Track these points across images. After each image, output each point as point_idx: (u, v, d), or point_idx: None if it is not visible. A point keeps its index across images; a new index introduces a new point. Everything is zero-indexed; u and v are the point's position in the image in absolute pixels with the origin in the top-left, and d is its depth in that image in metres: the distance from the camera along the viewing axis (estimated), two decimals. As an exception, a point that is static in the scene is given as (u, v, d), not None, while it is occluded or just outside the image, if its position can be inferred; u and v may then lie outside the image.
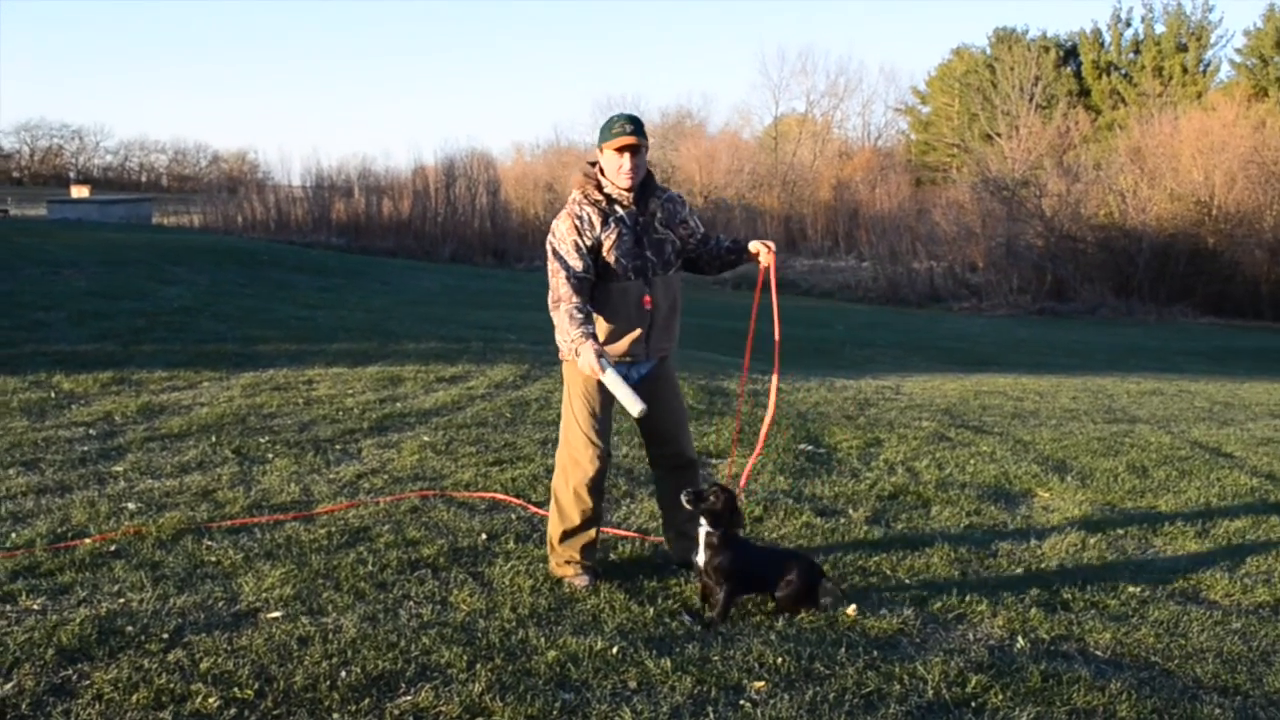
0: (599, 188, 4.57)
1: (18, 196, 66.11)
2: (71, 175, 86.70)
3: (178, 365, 9.71)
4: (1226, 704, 3.77)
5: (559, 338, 4.50)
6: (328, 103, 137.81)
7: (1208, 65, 52.23)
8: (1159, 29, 53.20)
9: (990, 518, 6.05)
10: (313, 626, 4.02)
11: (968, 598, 4.63)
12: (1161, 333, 28.09)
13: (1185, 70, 51.50)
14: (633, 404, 4.25)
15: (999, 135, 51.08)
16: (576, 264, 4.46)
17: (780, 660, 3.86)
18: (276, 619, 4.11)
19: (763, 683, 3.70)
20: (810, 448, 7.53)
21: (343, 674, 3.63)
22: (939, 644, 4.14)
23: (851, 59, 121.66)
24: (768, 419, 4.94)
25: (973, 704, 3.65)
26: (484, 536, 5.23)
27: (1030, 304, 35.66)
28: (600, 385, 4.51)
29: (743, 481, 5.91)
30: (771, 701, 3.56)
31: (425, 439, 7.24)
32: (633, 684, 3.66)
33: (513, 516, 5.61)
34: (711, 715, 3.46)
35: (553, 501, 4.74)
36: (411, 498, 5.85)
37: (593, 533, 4.71)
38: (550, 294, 4.51)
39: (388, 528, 5.29)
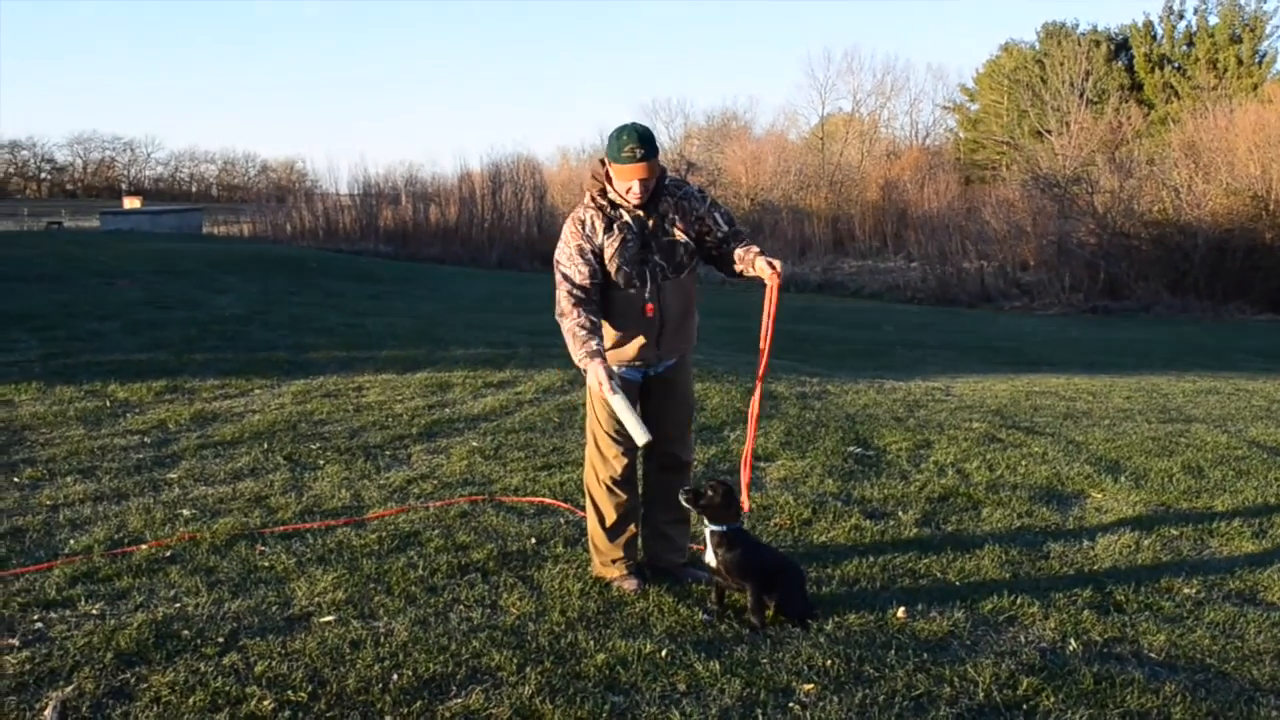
0: (603, 193, 4.47)
1: (71, 209, 67.48)
2: (123, 187, 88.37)
3: (229, 373, 9.85)
4: (1285, 706, 3.71)
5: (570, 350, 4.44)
6: (374, 111, 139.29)
7: (1263, 56, 51.28)
8: (1212, 20, 52.34)
9: (1042, 519, 5.98)
10: (364, 630, 4.06)
11: (1019, 599, 4.59)
12: (1218, 330, 27.60)
13: (1240, 62, 50.61)
14: (639, 433, 4.26)
15: (1049, 132, 50.52)
16: (578, 274, 4.40)
17: (829, 663, 3.85)
18: (329, 623, 4.16)
19: (812, 685, 3.69)
20: (859, 450, 7.49)
21: (394, 677, 3.67)
22: (990, 646, 4.11)
23: (898, 57, 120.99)
24: (749, 441, 4.86)
25: (1024, 706, 3.62)
26: (533, 540, 5.25)
27: (1083, 302, 35.15)
28: (632, 391, 4.53)
29: (745, 493, 5.75)
30: (821, 704, 3.55)
31: (474, 444, 7.29)
32: (682, 687, 3.67)
33: (561, 520, 5.63)
34: (760, 718, 3.46)
35: (587, 500, 4.75)
36: (461, 503, 5.89)
37: (633, 528, 4.71)
38: (556, 306, 4.46)
39: (438, 532, 5.33)
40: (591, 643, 3.98)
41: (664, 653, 3.90)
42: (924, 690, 3.69)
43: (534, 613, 4.31)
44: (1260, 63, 50.98)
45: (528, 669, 3.75)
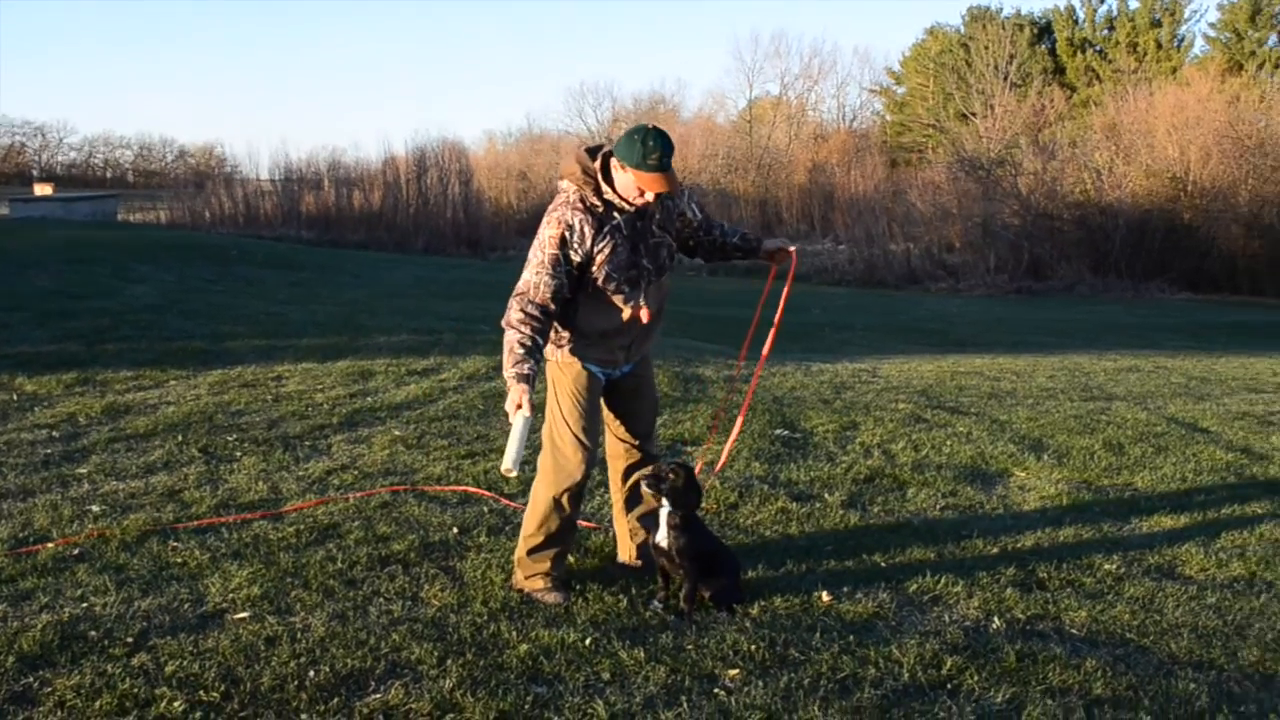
0: (597, 192, 4.12)
1: (-22, 196, 65.40)
2: (34, 173, 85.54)
3: (144, 364, 9.59)
4: (1201, 678, 3.76)
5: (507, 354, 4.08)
6: (295, 94, 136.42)
7: (1182, 40, 52.40)
8: (1133, 4, 53.34)
9: (966, 498, 6.02)
10: (280, 626, 3.95)
11: (943, 579, 4.61)
12: (1138, 309, 28.20)
13: (1159, 46, 51.65)
14: (513, 460, 3.95)
15: (974, 115, 51.20)
16: (544, 288, 4.08)
17: (754, 647, 3.83)
18: (243, 619, 4.04)
19: (737, 670, 3.66)
20: (786, 432, 7.49)
21: (311, 673, 3.57)
22: (914, 626, 4.11)
23: (825, 40, 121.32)
24: (744, 406, 4.89)
25: (948, 686, 3.63)
26: (455, 530, 5.16)
27: (1007, 283, 35.74)
28: (590, 383, 4.32)
29: (718, 467, 5.91)
30: (745, 689, 3.52)
31: (396, 433, 7.17)
32: (606, 675, 3.62)
33: (485, 509, 5.55)
34: (685, 705, 3.42)
35: (530, 509, 4.39)
36: (382, 493, 5.77)
37: (567, 545, 4.49)
38: (515, 296, 4.14)
39: (357, 524, 5.21)
40: (514, 633, 3.92)
41: (588, 641, 3.85)
42: (849, 672, 3.67)
43: (456, 604, 4.23)
44: (1179, 46, 52.09)
45: (449, 661, 3.67)
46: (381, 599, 4.28)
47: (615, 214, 4.15)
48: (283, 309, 14.72)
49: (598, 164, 4.14)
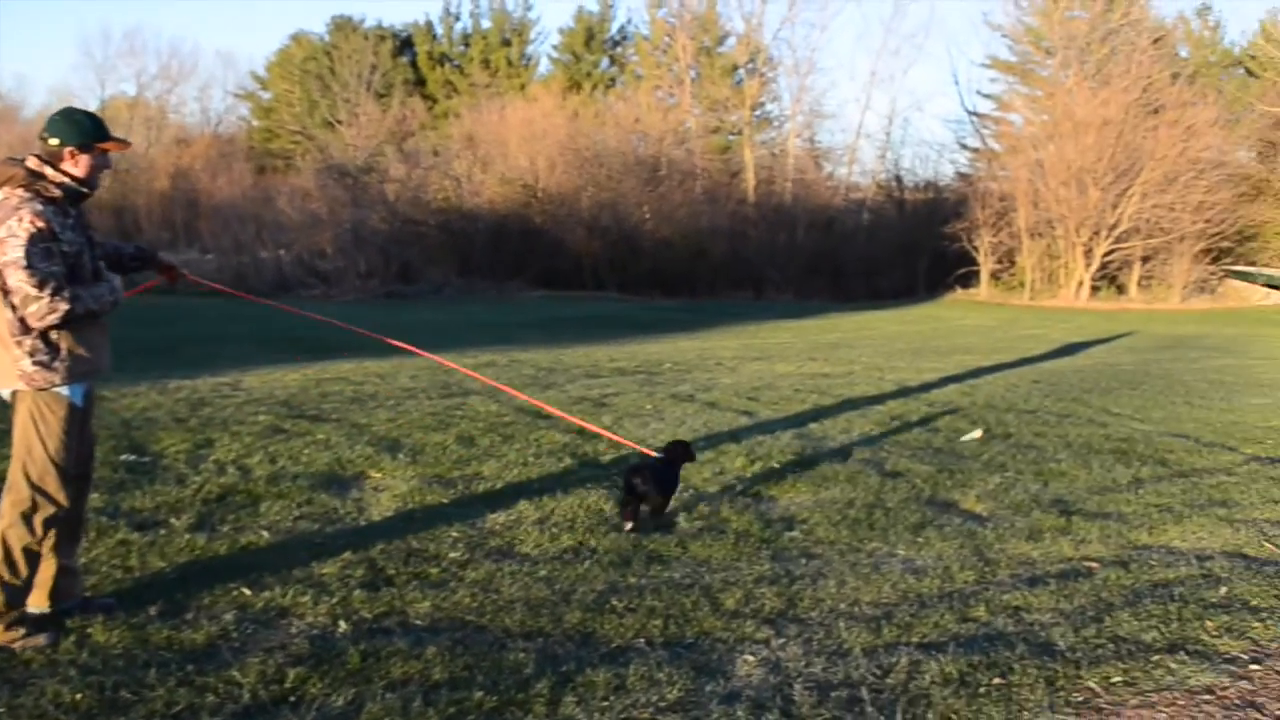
0: (54, 183, 3.97)
1: None
2: None
3: None
4: (530, 647, 4.11)
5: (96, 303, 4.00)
6: None
7: (529, 60, 56.75)
8: (485, 24, 56.78)
9: (322, 506, 6.02)
10: None
11: (292, 591, 4.59)
12: (501, 308, 30.10)
13: (510, 63, 55.48)
14: None
15: (340, 122, 51.48)
16: (56, 268, 3.87)
17: (79, 696, 3.56)
18: None
19: (57, 726, 3.36)
20: (133, 457, 6.98)
21: None
22: (259, 644, 4.05)
23: (185, 40, 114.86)
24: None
25: (291, 699, 3.62)
26: None
27: (379, 288, 36.42)
28: (76, 420, 4.02)
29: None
30: (64, 744, 3.24)
31: None
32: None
33: None
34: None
35: (5, 557, 3.95)
36: None
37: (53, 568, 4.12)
38: (33, 299, 3.82)
39: None
40: None
41: None
42: (185, 704, 3.53)
43: None
44: (527, 65, 56.39)
45: None
46: None
47: (70, 210, 4.05)
48: None
49: (34, 160, 3.98)
